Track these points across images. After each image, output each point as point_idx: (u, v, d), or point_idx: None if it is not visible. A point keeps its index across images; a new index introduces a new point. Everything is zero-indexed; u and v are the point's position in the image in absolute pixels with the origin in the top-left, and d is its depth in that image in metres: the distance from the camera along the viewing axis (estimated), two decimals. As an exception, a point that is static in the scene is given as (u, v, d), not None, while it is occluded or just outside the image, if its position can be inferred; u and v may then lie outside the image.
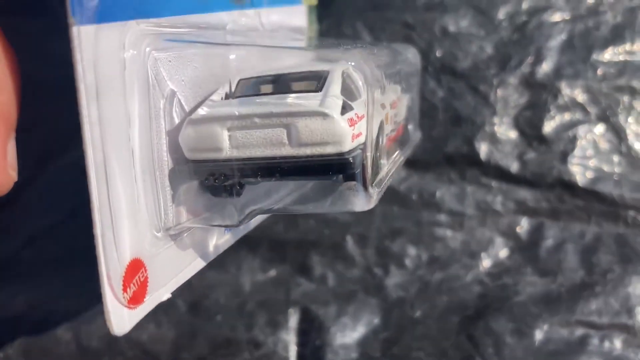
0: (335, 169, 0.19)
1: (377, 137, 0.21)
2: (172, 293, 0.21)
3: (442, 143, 0.37)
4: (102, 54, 0.16)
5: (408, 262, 0.36)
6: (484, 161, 0.37)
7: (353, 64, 0.20)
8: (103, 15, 0.16)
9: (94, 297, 0.38)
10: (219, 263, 0.26)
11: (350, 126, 0.18)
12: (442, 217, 0.37)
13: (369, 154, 0.19)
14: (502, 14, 0.38)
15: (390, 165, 0.24)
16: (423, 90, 0.37)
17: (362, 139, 0.19)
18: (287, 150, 0.19)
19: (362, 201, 0.19)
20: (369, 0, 0.39)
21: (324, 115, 0.18)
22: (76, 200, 0.39)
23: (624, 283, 0.34)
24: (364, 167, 0.19)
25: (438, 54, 0.38)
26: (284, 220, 0.37)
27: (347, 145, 0.18)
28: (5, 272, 0.39)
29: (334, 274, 0.36)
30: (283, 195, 0.21)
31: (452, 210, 0.37)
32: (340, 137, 0.18)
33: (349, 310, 0.35)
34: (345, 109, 0.19)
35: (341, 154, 0.18)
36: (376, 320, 0.35)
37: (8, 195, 0.42)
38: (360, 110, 0.20)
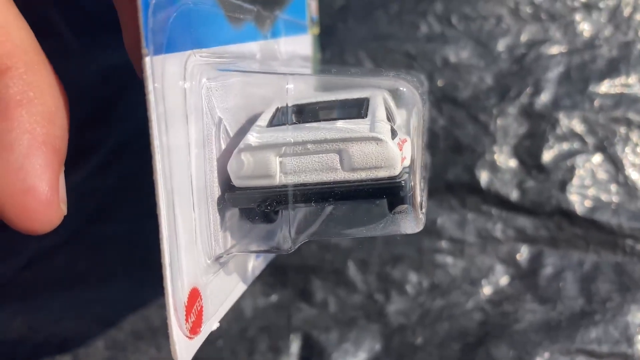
0: (387, 192, 0.19)
1: (422, 159, 0.22)
2: (219, 322, 0.21)
3: (443, 171, 0.38)
4: (168, 83, 0.17)
5: (409, 288, 0.37)
6: (484, 189, 0.38)
7: (405, 89, 0.21)
8: (169, 46, 0.17)
9: (93, 320, 0.39)
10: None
11: (399, 150, 0.19)
12: (443, 244, 0.38)
13: (417, 177, 0.20)
14: (501, 46, 0.39)
15: (426, 188, 0.25)
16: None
17: (407, 163, 0.20)
18: (339, 175, 0.20)
19: (412, 224, 0.20)
20: (371, 31, 0.40)
21: (378, 140, 0.19)
22: (77, 223, 0.40)
23: (623, 312, 0.34)
24: (413, 189, 0.20)
25: (439, 83, 0.39)
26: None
27: (398, 168, 0.19)
28: (5, 294, 0.39)
29: (335, 300, 0.37)
30: (326, 219, 0.22)
31: (452, 238, 0.38)
32: (392, 161, 0.19)
33: (350, 336, 0.35)
34: (393, 133, 0.20)
35: (393, 178, 0.19)
36: (377, 347, 0.35)
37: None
38: (402, 134, 0.20)
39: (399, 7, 0.40)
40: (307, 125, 0.21)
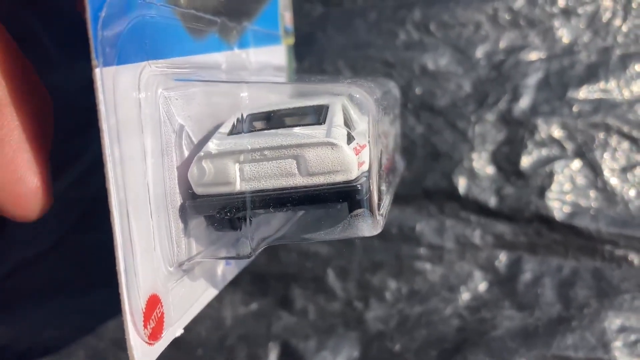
0: (344, 196, 0.20)
1: (379, 165, 0.23)
2: (184, 328, 0.22)
3: (422, 178, 0.39)
4: (121, 94, 0.17)
5: (388, 295, 0.37)
6: (462, 196, 0.38)
7: (358, 95, 0.22)
8: (121, 57, 0.17)
9: (75, 329, 0.39)
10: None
11: (355, 155, 0.20)
12: (422, 251, 0.38)
13: (374, 181, 0.21)
14: (480, 52, 0.40)
15: (389, 193, 0.25)
16: (402, 126, 0.38)
17: (365, 167, 0.21)
18: (297, 180, 0.20)
19: (370, 227, 0.21)
20: (350, 39, 0.41)
21: (333, 145, 0.20)
22: (59, 232, 0.40)
23: (600, 318, 0.35)
24: (370, 193, 0.20)
25: (417, 91, 0.40)
26: (266, 253, 0.38)
27: (354, 173, 0.20)
28: (-12, 303, 0.40)
29: (314, 307, 0.37)
30: (288, 224, 0.23)
31: (431, 244, 0.38)
32: (348, 166, 0.20)
33: (328, 344, 0.36)
34: (349, 139, 0.21)
35: (349, 182, 0.20)
36: (356, 354, 0.36)
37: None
38: (361, 140, 0.21)
39: (378, 15, 0.41)
40: (266, 132, 0.21)
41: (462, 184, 0.39)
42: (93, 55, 0.16)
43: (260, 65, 0.30)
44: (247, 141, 0.21)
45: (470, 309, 0.36)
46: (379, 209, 0.21)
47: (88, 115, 0.44)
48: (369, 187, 0.20)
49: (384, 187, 0.24)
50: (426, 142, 0.39)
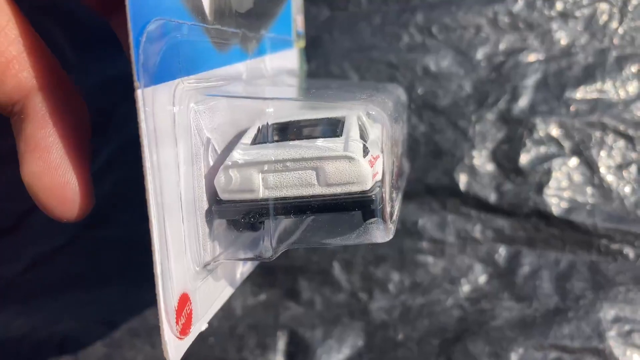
0: (359, 205, 0.22)
1: (391, 174, 0.24)
2: (207, 323, 0.24)
3: (424, 175, 0.41)
4: (158, 109, 0.19)
5: (391, 287, 0.39)
6: (463, 192, 0.40)
7: (374, 113, 0.24)
8: (158, 77, 0.19)
9: (92, 320, 0.41)
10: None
11: (371, 167, 0.22)
12: (424, 245, 0.40)
13: (387, 190, 0.23)
14: (480, 54, 0.42)
15: (398, 199, 0.27)
16: (407, 126, 0.40)
17: (378, 177, 0.23)
18: (316, 190, 0.22)
19: (382, 234, 0.23)
20: (355, 42, 0.43)
21: (350, 158, 0.21)
22: (75, 228, 0.42)
23: (595, 309, 0.36)
24: (383, 203, 0.22)
25: (420, 91, 0.42)
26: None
27: (369, 184, 0.22)
28: (8, 295, 0.42)
29: (321, 299, 0.39)
30: (306, 230, 0.24)
31: (433, 238, 0.40)
32: (363, 178, 0.21)
33: (334, 333, 0.38)
34: (365, 151, 0.22)
35: (364, 192, 0.22)
36: (360, 343, 0.37)
37: (12, 222, 0.45)
38: (375, 151, 0.23)
39: (382, 18, 0.43)
40: (288, 143, 0.23)
41: (463, 180, 0.40)
42: (135, 77, 0.18)
43: (276, 70, 0.31)
44: (270, 152, 0.22)
45: (471, 300, 0.38)
46: (391, 218, 0.23)
47: (103, 116, 0.46)
48: (382, 196, 0.22)
49: (394, 195, 0.26)
50: (429, 140, 0.41)
